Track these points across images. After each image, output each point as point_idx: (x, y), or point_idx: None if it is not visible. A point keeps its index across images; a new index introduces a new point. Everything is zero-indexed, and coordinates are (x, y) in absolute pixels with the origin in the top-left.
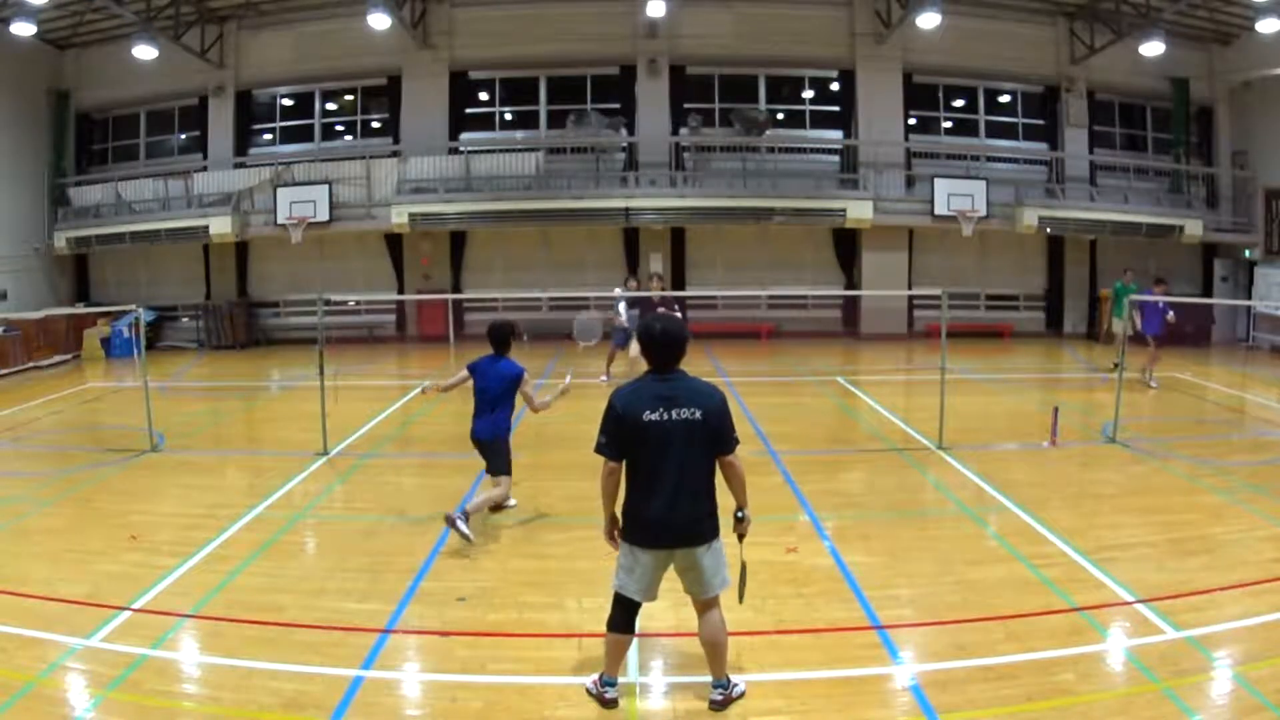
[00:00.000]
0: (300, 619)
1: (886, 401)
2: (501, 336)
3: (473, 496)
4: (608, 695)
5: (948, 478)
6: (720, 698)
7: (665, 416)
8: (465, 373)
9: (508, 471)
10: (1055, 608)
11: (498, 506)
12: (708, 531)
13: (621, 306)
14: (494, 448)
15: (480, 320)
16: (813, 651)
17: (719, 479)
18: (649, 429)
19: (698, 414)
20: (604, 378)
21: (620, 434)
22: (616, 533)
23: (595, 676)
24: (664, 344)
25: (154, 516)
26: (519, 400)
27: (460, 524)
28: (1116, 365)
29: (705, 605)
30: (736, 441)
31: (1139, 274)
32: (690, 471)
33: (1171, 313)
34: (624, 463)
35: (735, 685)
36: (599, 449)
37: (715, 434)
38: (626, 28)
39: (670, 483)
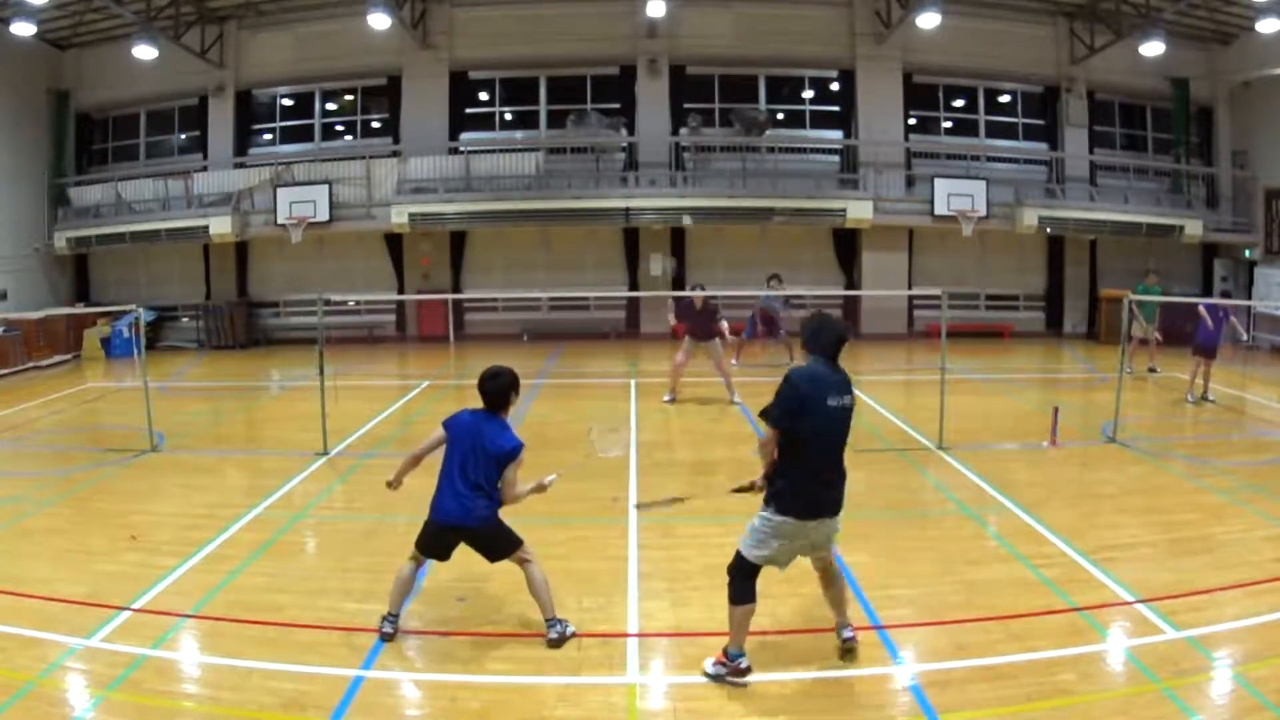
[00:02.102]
0: (300, 619)
1: (886, 401)
2: (498, 390)
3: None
4: (743, 665)
5: (948, 478)
6: (851, 635)
7: (840, 402)
8: (440, 432)
9: (519, 541)
10: (1055, 608)
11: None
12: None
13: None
14: (485, 533)
15: (480, 320)
16: (813, 651)
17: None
18: (833, 413)
19: (850, 400)
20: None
21: (799, 411)
22: (772, 507)
23: (715, 658)
24: (842, 338)
25: (154, 516)
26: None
27: (561, 630)
28: (1153, 370)
29: (827, 563)
30: None
31: (1140, 274)
32: (842, 450)
33: (1234, 319)
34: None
35: (847, 629)
36: (775, 421)
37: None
38: (626, 28)
39: (837, 460)
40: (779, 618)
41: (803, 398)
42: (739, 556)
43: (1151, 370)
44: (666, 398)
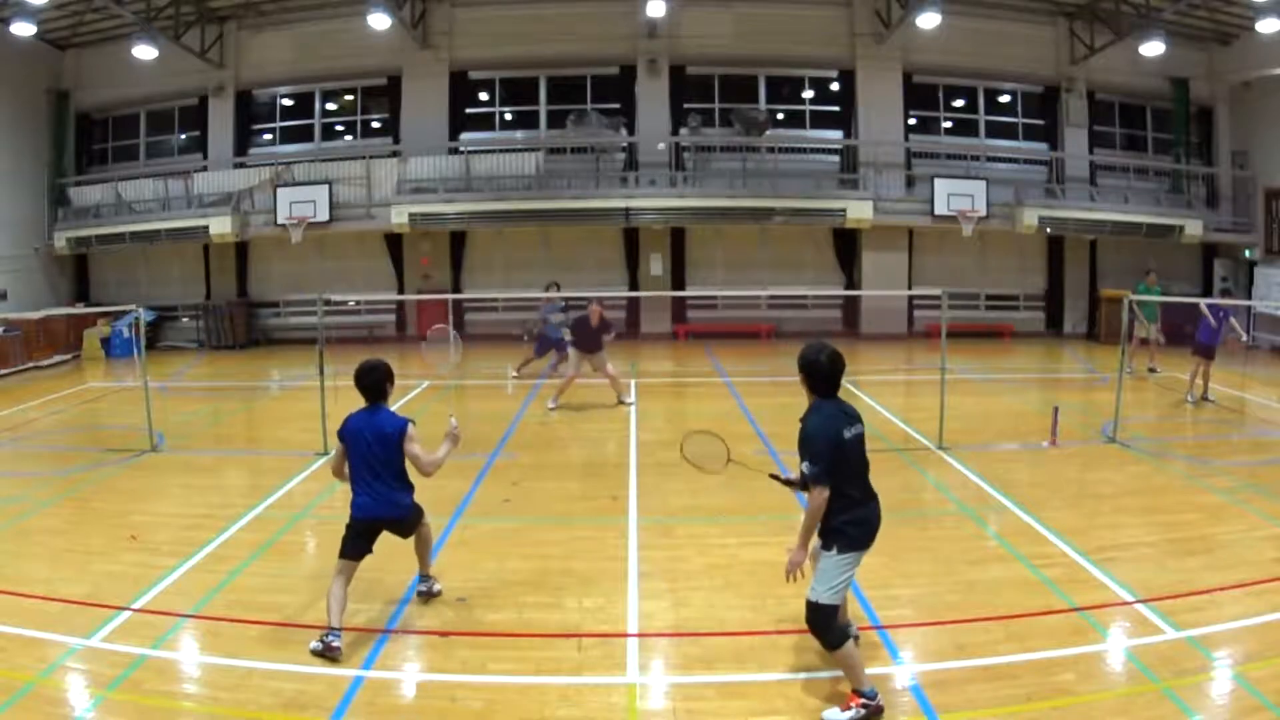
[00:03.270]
0: (300, 619)
1: (886, 401)
2: (374, 383)
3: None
4: (879, 701)
5: (948, 478)
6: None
7: (853, 432)
8: (339, 444)
9: (422, 512)
10: (1055, 608)
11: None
12: None
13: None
14: (406, 520)
15: (480, 320)
16: (813, 652)
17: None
18: (851, 444)
19: (860, 428)
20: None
21: (835, 457)
22: (836, 548)
23: (845, 705)
24: (832, 374)
25: (154, 516)
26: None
27: (429, 587)
28: (1153, 370)
29: None
30: None
31: (1140, 274)
32: (866, 474)
33: (1233, 319)
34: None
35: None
36: (822, 479)
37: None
38: (626, 28)
39: (865, 483)
40: (779, 618)
41: (832, 445)
42: (819, 608)
43: (1151, 370)
44: (551, 404)
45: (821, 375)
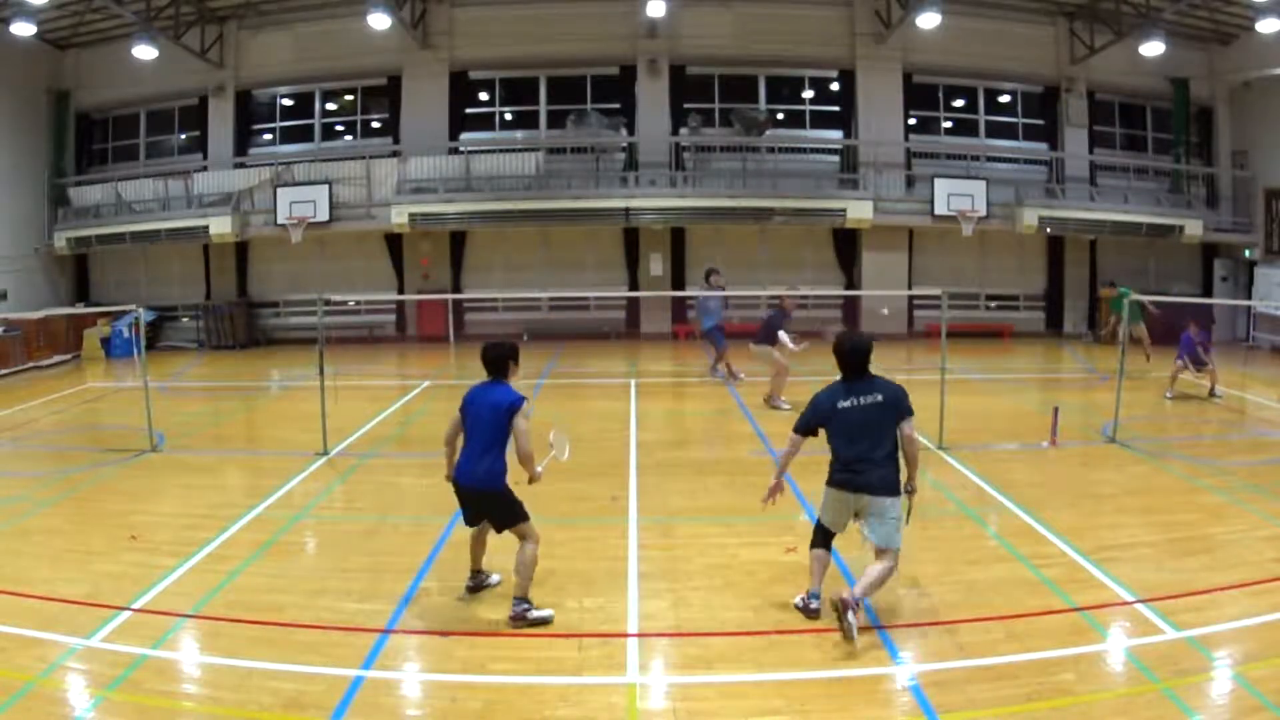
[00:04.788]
0: (300, 619)
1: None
2: (497, 358)
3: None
4: (813, 606)
5: (948, 478)
6: (846, 598)
7: (851, 404)
8: (457, 414)
9: (527, 516)
10: (1055, 608)
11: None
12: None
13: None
14: (492, 496)
15: (480, 320)
16: (813, 651)
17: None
18: (843, 413)
19: (866, 400)
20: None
21: (813, 419)
22: (826, 484)
23: (802, 594)
24: (845, 351)
25: (154, 516)
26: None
27: (521, 611)
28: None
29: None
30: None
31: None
32: (868, 441)
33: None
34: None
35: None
36: (794, 429)
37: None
38: (626, 28)
39: (861, 449)
40: (780, 618)
41: (816, 410)
42: (817, 522)
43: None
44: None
45: (840, 359)
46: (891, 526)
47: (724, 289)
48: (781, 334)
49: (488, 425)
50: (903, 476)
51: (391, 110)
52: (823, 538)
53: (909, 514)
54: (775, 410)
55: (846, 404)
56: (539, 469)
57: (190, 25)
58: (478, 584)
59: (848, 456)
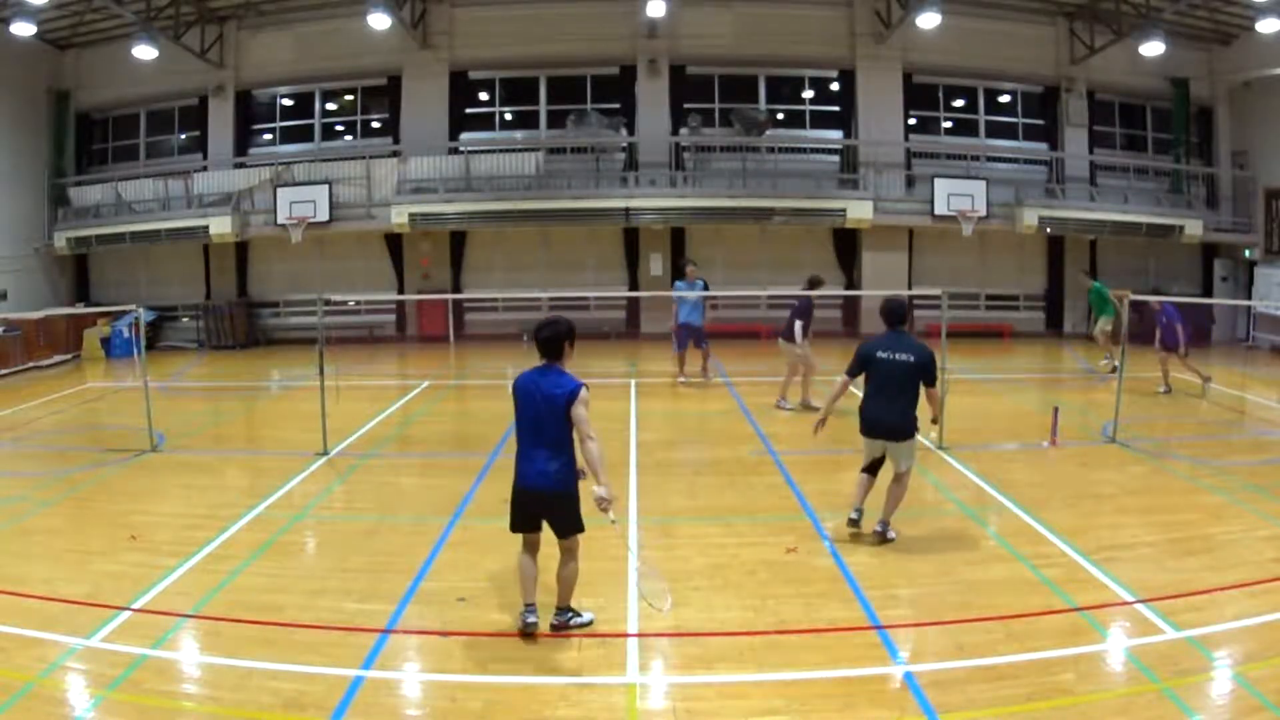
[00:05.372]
0: (300, 619)
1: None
2: (552, 337)
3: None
4: (853, 517)
5: (948, 478)
6: (881, 529)
7: (889, 356)
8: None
9: (583, 528)
10: (1055, 608)
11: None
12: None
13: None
14: (561, 500)
15: (480, 320)
16: (813, 651)
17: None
18: (882, 364)
19: (903, 356)
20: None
21: (856, 362)
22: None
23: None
24: (891, 311)
25: (154, 516)
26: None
27: (564, 620)
28: (1115, 367)
29: (897, 472)
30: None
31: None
32: (896, 389)
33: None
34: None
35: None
36: (846, 373)
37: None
38: (626, 28)
39: (891, 394)
40: (779, 618)
41: (861, 356)
42: None
43: (1113, 369)
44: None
45: (883, 312)
46: (905, 455)
47: (704, 283)
48: (796, 325)
49: (549, 422)
50: (928, 414)
51: (391, 110)
52: (867, 465)
53: (938, 432)
54: (783, 410)
55: (884, 355)
56: (602, 491)
57: (190, 25)
58: (536, 618)
59: (872, 408)
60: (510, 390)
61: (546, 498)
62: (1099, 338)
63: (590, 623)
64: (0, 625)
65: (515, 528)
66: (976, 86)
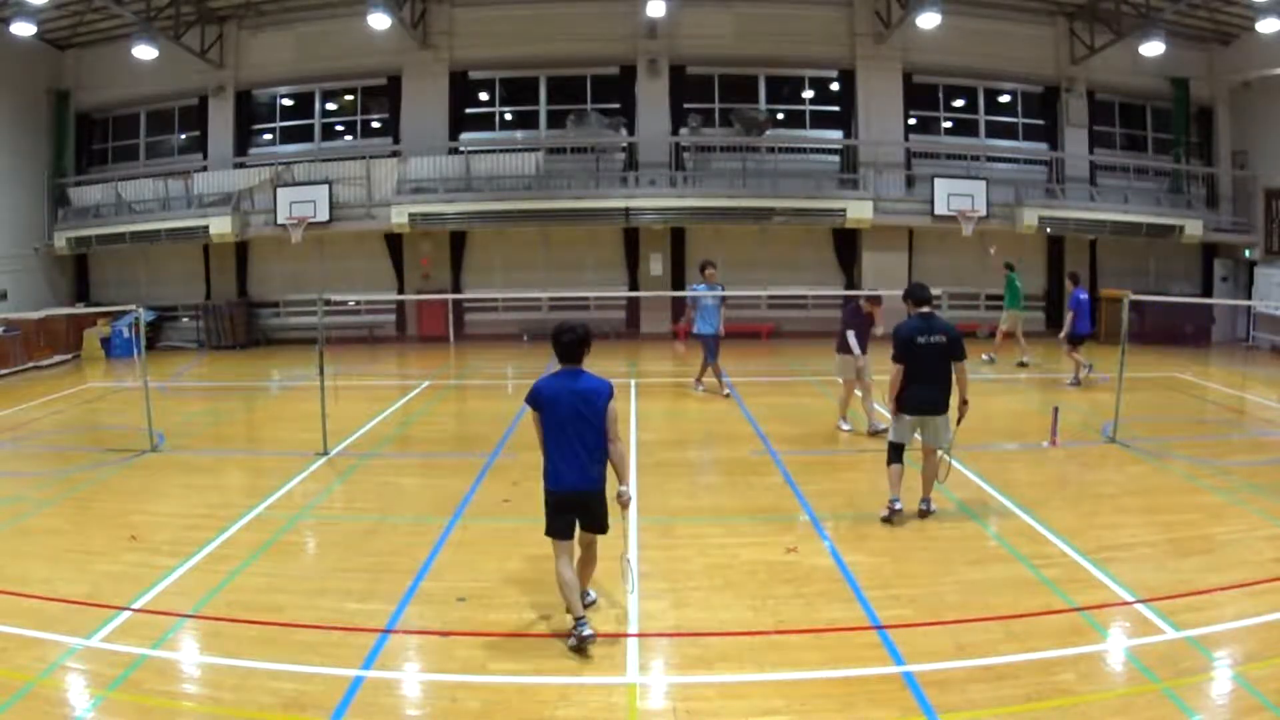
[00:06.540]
0: (300, 619)
1: (887, 402)
2: (573, 343)
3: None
4: (896, 508)
5: (948, 477)
6: (925, 505)
7: (926, 340)
8: (531, 411)
9: (608, 525)
10: (1055, 608)
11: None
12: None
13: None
14: (599, 498)
15: (480, 320)
16: (813, 651)
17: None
18: (920, 348)
19: (939, 339)
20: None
21: (902, 350)
22: (900, 409)
23: (886, 506)
24: (917, 293)
25: (154, 516)
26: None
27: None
28: (1023, 364)
29: (929, 449)
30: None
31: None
32: (936, 371)
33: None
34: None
35: (925, 502)
36: (893, 361)
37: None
38: (626, 28)
39: (932, 377)
40: (779, 618)
41: (902, 342)
42: (890, 442)
43: (1022, 364)
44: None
45: (908, 295)
46: (943, 429)
47: (721, 286)
48: (850, 335)
49: (589, 424)
50: (955, 395)
51: (391, 110)
52: (896, 454)
53: (961, 417)
54: (842, 431)
55: (922, 340)
56: (627, 490)
57: (190, 25)
58: (588, 628)
59: (918, 388)
60: (529, 398)
61: (586, 498)
62: (1000, 335)
63: (594, 602)
64: (0, 625)
65: (555, 533)
66: (976, 86)
